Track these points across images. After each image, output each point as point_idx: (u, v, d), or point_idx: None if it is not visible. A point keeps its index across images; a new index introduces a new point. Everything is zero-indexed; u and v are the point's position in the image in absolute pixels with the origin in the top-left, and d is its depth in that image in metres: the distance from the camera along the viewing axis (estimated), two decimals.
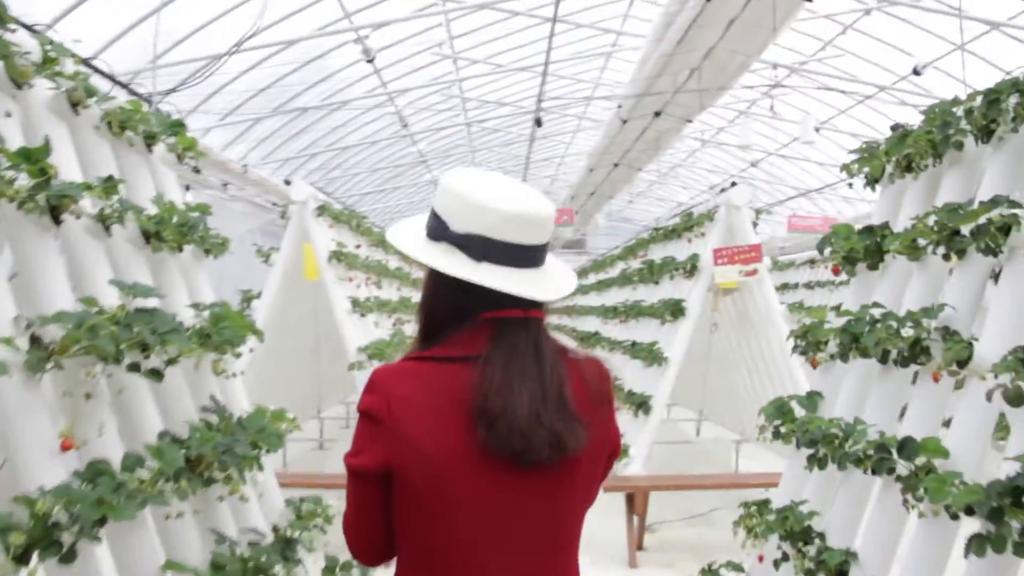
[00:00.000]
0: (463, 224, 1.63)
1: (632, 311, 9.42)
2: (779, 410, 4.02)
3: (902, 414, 3.53)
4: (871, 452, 3.08)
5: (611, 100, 12.38)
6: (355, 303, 7.92)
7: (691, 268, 7.76)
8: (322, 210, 7.85)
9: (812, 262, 14.81)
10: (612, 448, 1.80)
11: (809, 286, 14.44)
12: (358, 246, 8.99)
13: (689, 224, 8.33)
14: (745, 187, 7.93)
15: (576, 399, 1.64)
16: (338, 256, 7.76)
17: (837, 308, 3.96)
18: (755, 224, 7.73)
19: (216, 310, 3.30)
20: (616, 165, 15.52)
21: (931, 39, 11.57)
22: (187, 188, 11.03)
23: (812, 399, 3.98)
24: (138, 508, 2.29)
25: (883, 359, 3.34)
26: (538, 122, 11.44)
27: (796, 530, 3.53)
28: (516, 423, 1.55)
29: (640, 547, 6.90)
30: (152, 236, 3.26)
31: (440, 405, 1.60)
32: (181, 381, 3.19)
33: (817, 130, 11.79)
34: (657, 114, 11.33)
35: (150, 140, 3.59)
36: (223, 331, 3.21)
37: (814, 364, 4.11)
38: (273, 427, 3.58)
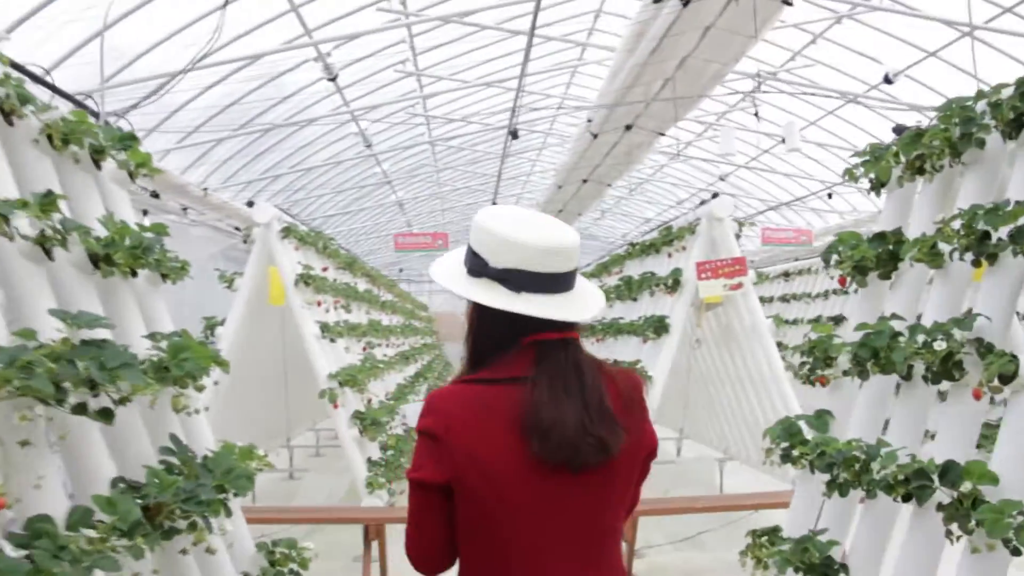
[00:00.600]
0: (500, 260, 1.80)
1: (611, 329, 9.14)
2: (787, 431, 3.75)
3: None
4: (902, 477, 2.80)
5: (585, 109, 12.09)
6: (324, 328, 7.59)
7: (673, 283, 7.48)
8: (287, 232, 7.51)
9: (787, 275, 14.68)
10: (649, 449, 1.94)
11: (784, 299, 14.30)
12: (325, 269, 8.66)
13: (669, 238, 8.07)
14: (727, 198, 7.68)
15: (612, 406, 1.80)
16: (305, 279, 7.42)
17: (816, 321, 3.70)
18: (738, 236, 7.49)
19: (175, 340, 2.97)
20: (585, 181, 15.26)
21: (903, 47, 11.42)
22: (145, 213, 10.68)
23: (822, 419, 3.70)
24: (84, 575, 1.95)
25: (907, 375, 3.08)
26: (514, 134, 11.12)
27: (816, 562, 3.24)
28: (565, 434, 1.72)
29: (629, 574, 6.60)
30: (101, 260, 2.93)
31: (491, 422, 1.76)
32: (137, 420, 2.86)
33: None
34: (628, 127, 11.09)
35: (98, 156, 3.26)
36: (183, 363, 2.88)
37: (823, 382, 3.85)
38: (242, 466, 3.25)
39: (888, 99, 12.19)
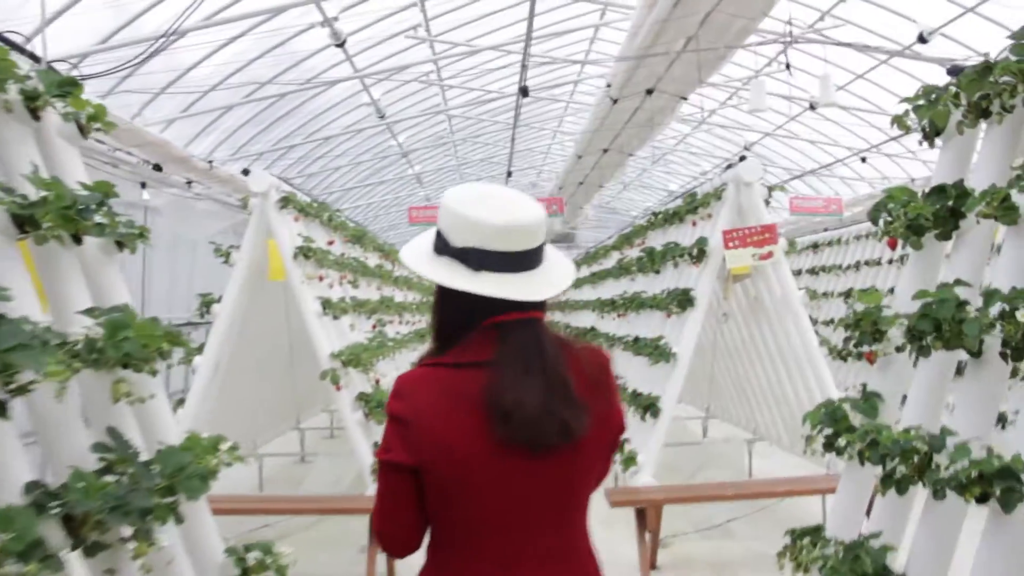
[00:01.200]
0: (460, 238, 1.79)
1: (632, 304, 8.67)
2: (830, 416, 3.28)
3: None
4: (977, 474, 2.34)
5: (604, 65, 11.55)
6: (327, 304, 7.14)
7: (698, 253, 6.97)
8: (286, 202, 7.04)
9: (815, 246, 14.15)
10: (617, 429, 1.93)
11: (813, 272, 13.78)
12: (331, 242, 8.22)
13: (694, 205, 7.56)
14: (756, 161, 7.14)
15: (576, 387, 1.78)
16: (305, 252, 6.97)
17: (847, 295, 3.22)
18: (767, 202, 6.96)
19: (115, 316, 2.53)
20: (606, 151, 14.75)
21: (938, 3, 10.79)
22: (143, 186, 10.24)
23: (871, 402, 3.24)
24: None
25: (978, 352, 2.60)
26: (524, 91, 10.59)
27: (869, 571, 2.78)
28: (528, 416, 1.71)
29: (653, 566, 6.17)
30: (27, 223, 2.50)
31: (457, 407, 1.75)
32: (66, 412, 2.42)
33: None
34: (650, 91, 10.56)
35: (32, 103, 2.82)
36: (121, 344, 2.44)
37: (870, 359, 3.38)
38: (204, 462, 2.81)
39: (921, 58, 11.57)
